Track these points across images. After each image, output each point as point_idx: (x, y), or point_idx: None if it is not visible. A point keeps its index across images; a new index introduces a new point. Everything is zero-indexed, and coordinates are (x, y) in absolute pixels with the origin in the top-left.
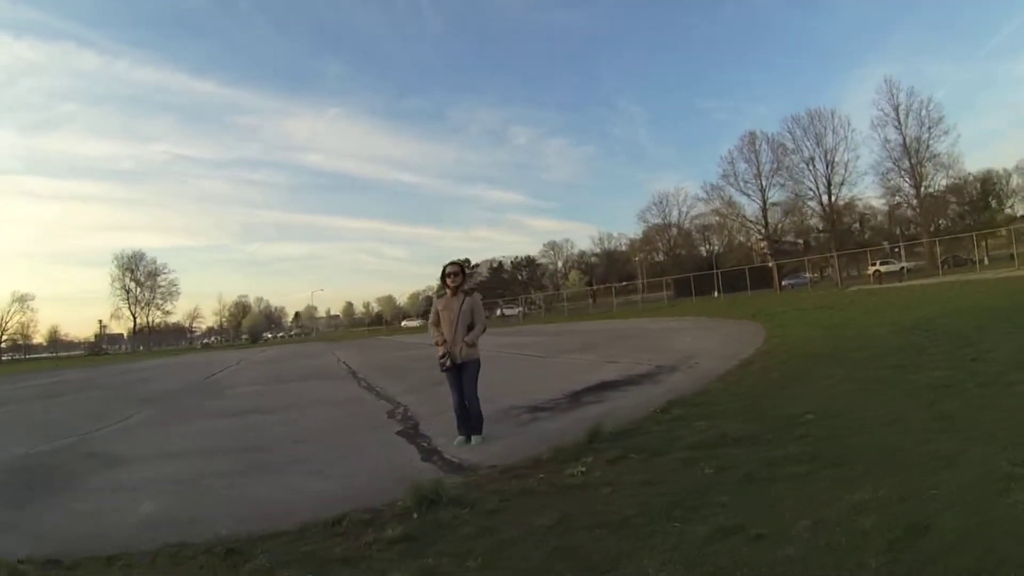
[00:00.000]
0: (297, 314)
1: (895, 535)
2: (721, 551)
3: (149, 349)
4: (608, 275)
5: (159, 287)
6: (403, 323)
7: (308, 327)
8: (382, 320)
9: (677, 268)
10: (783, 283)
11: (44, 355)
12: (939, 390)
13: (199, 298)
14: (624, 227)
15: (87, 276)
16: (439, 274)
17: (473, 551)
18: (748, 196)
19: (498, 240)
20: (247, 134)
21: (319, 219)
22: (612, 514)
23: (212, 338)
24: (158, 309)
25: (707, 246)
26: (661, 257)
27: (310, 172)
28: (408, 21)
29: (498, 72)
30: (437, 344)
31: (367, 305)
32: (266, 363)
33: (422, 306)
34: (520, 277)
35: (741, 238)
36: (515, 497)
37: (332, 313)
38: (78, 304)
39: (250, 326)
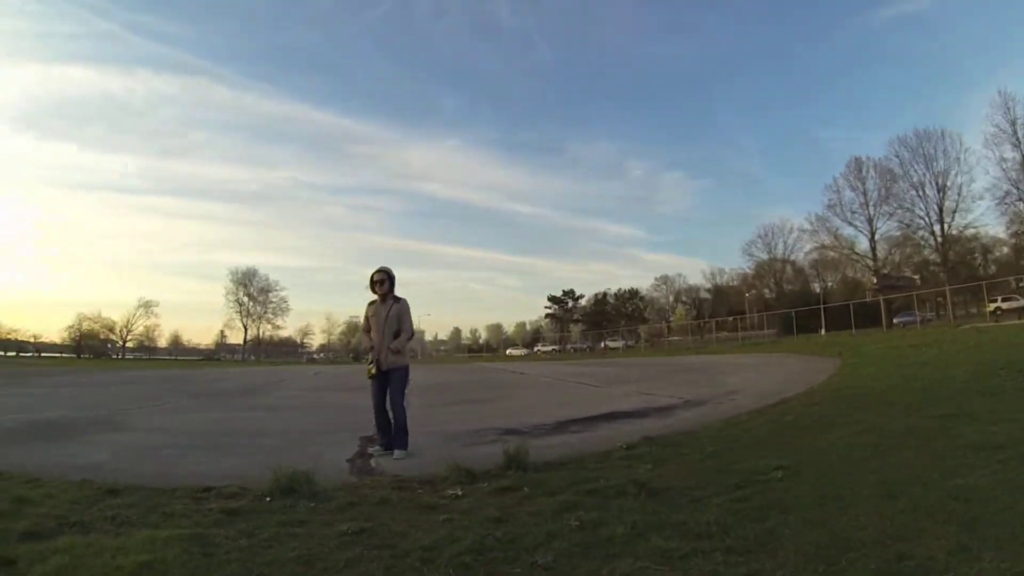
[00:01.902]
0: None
1: None
2: None
3: (258, 359)
4: (717, 310)
5: (270, 302)
6: (508, 351)
7: (414, 350)
8: (488, 347)
9: (787, 304)
10: (895, 320)
11: (164, 357)
12: (980, 453)
13: (312, 315)
14: (736, 262)
15: (208, 288)
16: (548, 303)
17: (259, 532)
18: (854, 227)
19: (613, 274)
20: (366, 162)
21: (434, 247)
22: (411, 540)
23: (321, 354)
24: (269, 323)
25: (820, 282)
26: (771, 293)
27: (427, 200)
28: (520, 55)
29: (613, 105)
30: (365, 350)
31: (474, 332)
32: (334, 376)
33: (528, 336)
34: (624, 310)
35: (851, 273)
36: (365, 504)
37: (440, 338)
38: (200, 313)
39: (356, 345)
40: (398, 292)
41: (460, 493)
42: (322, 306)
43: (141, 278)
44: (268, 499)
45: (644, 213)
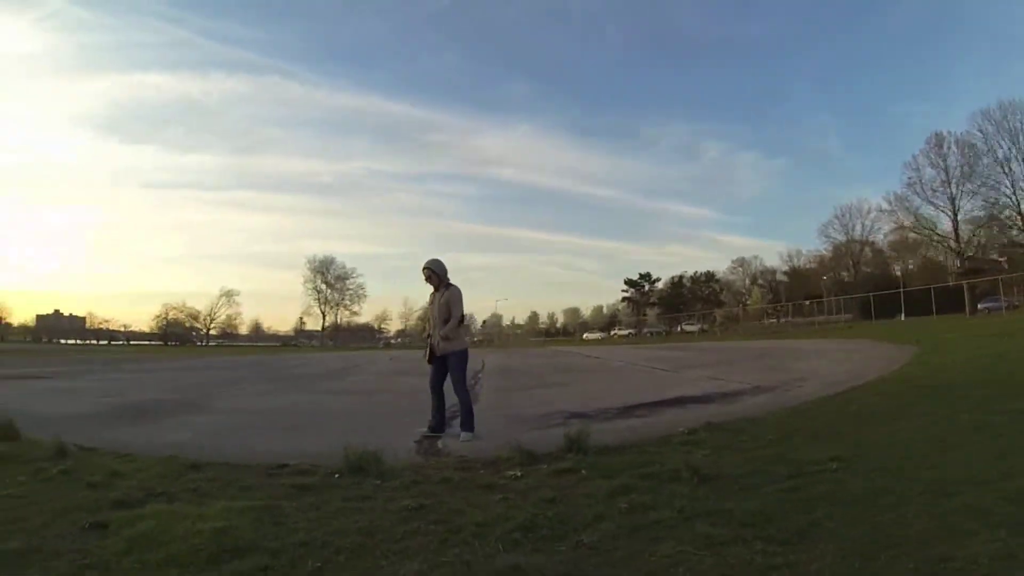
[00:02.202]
0: (484, 322)
1: None
2: None
3: (337, 345)
4: (793, 294)
5: (348, 289)
6: (584, 335)
7: (491, 334)
8: (565, 331)
9: (866, 288)
10: (979, 306)
11: (245, 344)
12: None
13: (389, 302)
14: (813, 244)
15: (286, 277)
16: (624, 287)
17: (327, 505)
18: (936, 206)
19: (690, 256)
20: (439, 150)
21: (510, 231)
22: (466, 517)
23: (398, 339)
24: (346, 309)
25: (900, 265)
26: (849, 276)
27: (502, 186)
28: (590, 38)
29: (685, 86)
30: (424, 337)
31: (551, 316)
32: (408, 360)
33: (605, 320)
34: (700, 293)
35: (933, 255)
36: (428, 483)
37: (517, 322)
38: (279, 301)
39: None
40: (456, 281)
41: (519, 474)
42: (399, 292)
43: (223, 269)
44: (337, 476)
45: (720, 195)
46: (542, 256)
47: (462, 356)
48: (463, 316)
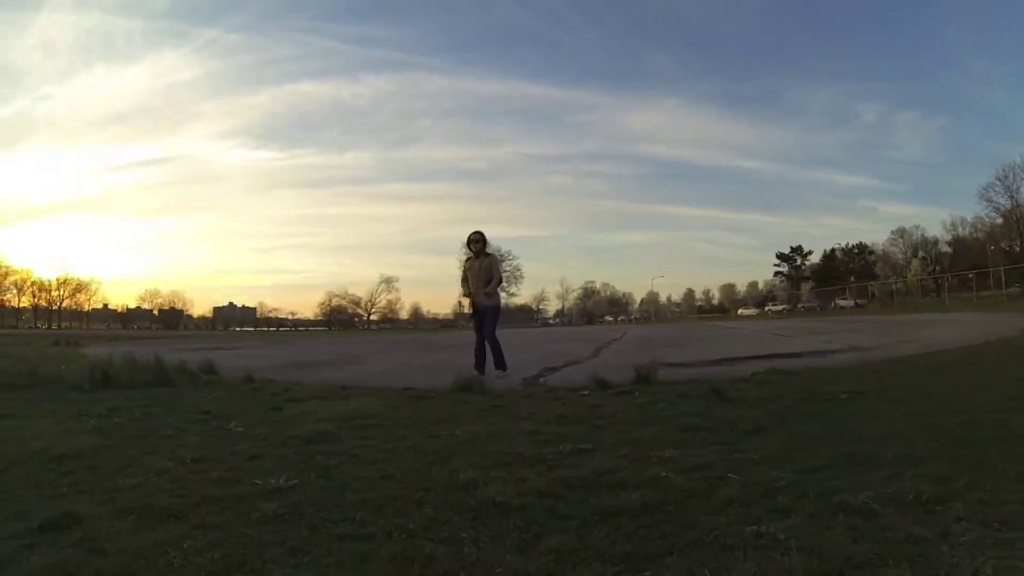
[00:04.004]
0: (642, 300)
1: None
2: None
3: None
4: (957, 265)
5: (504, 272)
6: (739, 311)
7: (648, 312)
8: (720, 308)
9: None
10: None
11: (405, 326)
12: None
13: (546, 282)
14: (976, 210)
15: (443, 262)
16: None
17: (433, 404)
18: None
19: (846, 227)
20: (587, 130)
21: (664, 208)
22: (525, 410)
23: (556, 319)
24: (504, 291)
25: None
26: (1019, 245)
27: (652, 162)
28: (729, 3)
29: (832, 45)
30: (464, 296)
31: (707, 292)
32: (557, 333)
33: (761, 295)
34: (853, 266)
35: None
36: (511, 397)
37: (673, 300)
38: (438, 285)
39: (591, 310)
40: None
41: (587, 393)
42: (556, 272)
43: (382, 257)
44: (448, 392)
45: (877, 160)
46: (695, 232)
47: (496, 311)
48: (500, 278)
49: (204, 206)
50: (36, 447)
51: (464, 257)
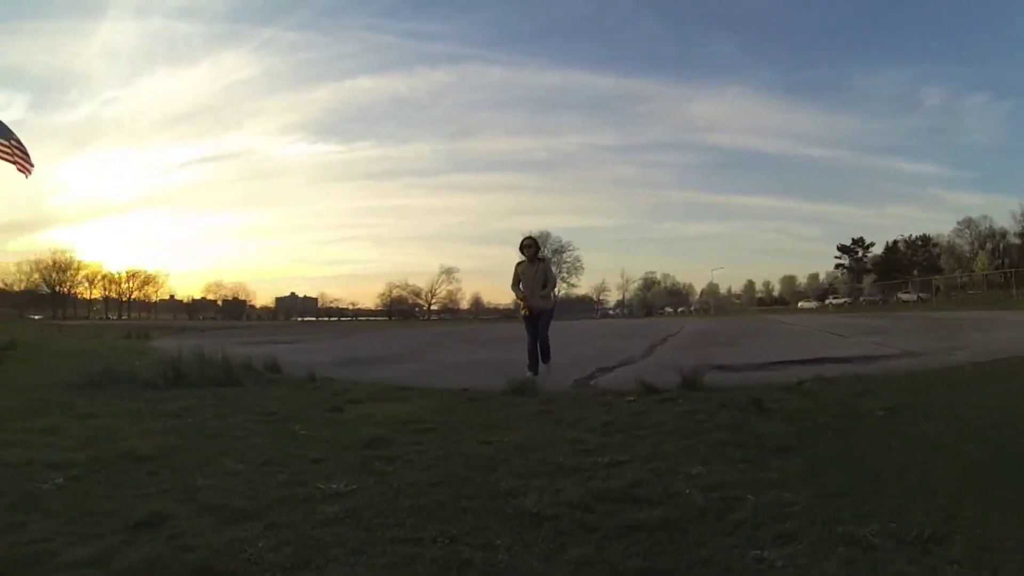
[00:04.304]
0: (702, 291)
1: None
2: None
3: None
4: None
5: (564, 263)
6: (800, 304)
7: (707, 303)
8: (780, 300)
9: None
10: None
11: (465, 317)
12: None
13: (607, 273)
14: None
15: (504, 253)
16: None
17: (485, 406)
18: None
19: (913, 217)
20: (650, 120)
21: (726, 198)
22: (571, 416)
23: (615, 310)
24: (564, 282)
25: None
26: None
27: (715, 151)
28: None
29: (896, 28)
30: (519, 300)
31: (767, 284)
32: (616, 325)
33: (822, 287)
34: (915, 259)
35: None
36: (560, 401)
37: (733, 291)
38: (498, 276)
39: (651, 301)
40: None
41: (633, 399)
42: (617, 263)
43: (443, 248)
44: (500, 394)
45: (945, 146)
46: (757, 222)
47: (551, 313)
48: (556, 282)
49: (266, 200)
50: (123, 448)
51: (519, 262)
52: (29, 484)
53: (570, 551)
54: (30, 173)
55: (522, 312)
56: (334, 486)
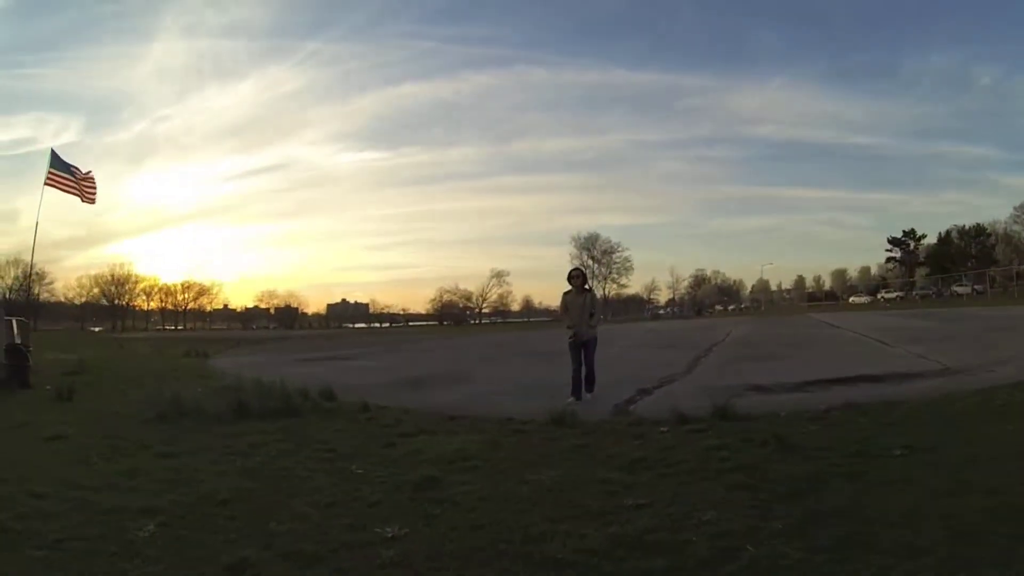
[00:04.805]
0: (752, 287)
1: None
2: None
3: (605, 318)
4: None
5: (614, 263)
6: (851, 299)
7: (758, 300)
8: (830, 295)
9: None
10: None
11: (516, 320)
12: None
13: (657, 270)
14: None
15: (554, 253)
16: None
17: (529, 440)
18: None
19: (971, 204)
20: (696, 114)
21: (774, 191)
22: (605, 452)
23: (665, 309)
24: (614, 283)
25: None
26: None
27: (763, 144)
28: None
29: (945, 5)
30: (569, 327)
31: (818, 279)
32: (664, 333)
33: (873, 282)
34: (969, 250)
35: None
36: (598, 433)
37: (784, 287)
38: (549, 276)
39: (701, 299)
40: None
41: (665, 430)
42: (667, 260)
43: (492, 250)
44: (542, 425)
45: (999, 128)
46: (806, 215)
47: (596, 340)
48: (602, 313)
49: (316, 208)
50: (202, 491)
51: (565, 289)
52: (124, 532)
53: None
54: (94, 201)
55: (569, 339)
56: (389, 530)
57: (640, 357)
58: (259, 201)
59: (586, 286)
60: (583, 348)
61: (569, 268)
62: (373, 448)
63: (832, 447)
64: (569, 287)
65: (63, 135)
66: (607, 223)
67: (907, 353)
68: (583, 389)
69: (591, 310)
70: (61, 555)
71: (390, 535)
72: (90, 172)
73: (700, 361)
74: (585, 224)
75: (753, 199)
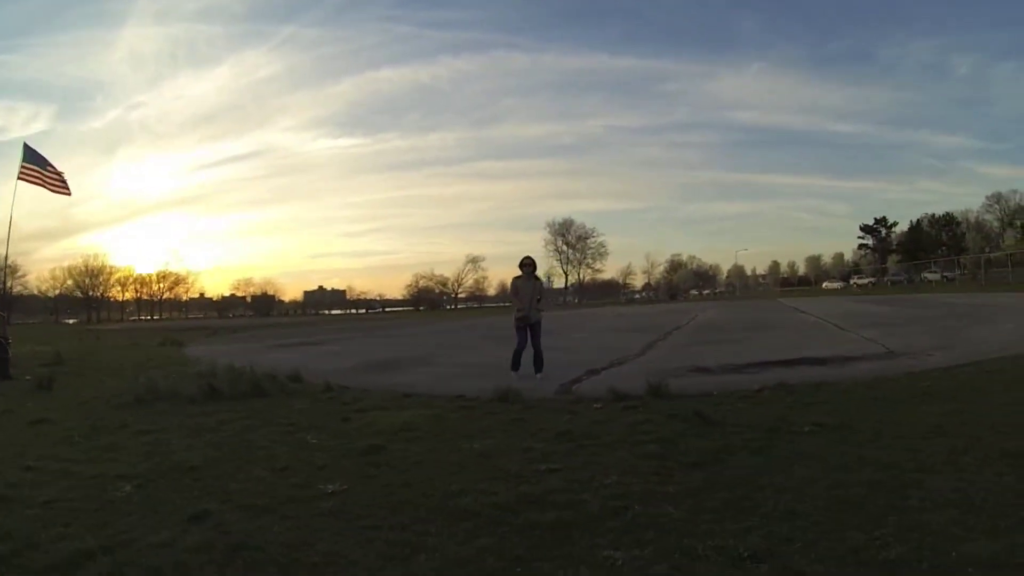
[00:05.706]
0: (728, 272)
1: None
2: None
3: (580, 302)
4: None
5: (588, 248)
6: (824, 284)
7: (733, 285)
8: (804, 281)
9: None
10: None
11: (492, 305)
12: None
13: (633, 255)
14: None
15: (531, 239)
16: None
17: (472, 414)
18: None
19: (945, 192)
20: (675, 99)
21: (755, 177)
22: (538, 425)
23: (640, 294)
24: (589, 268)
25: None
26: None
27: (742, 130)
28: None
29: None
30: (519, 310)
31: (792, 265)
32: (630, 317)
33: (847, 267)
34: (939, 237)
35: None
36: (537, 409)
37: (759, 272)
38: None
39: (678, 284)
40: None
41: (599, 406)
42: (644, 246)
43: (469, 236)
44: (488, 402)
45: (976, 117)
46: (784, 201)
47: (541, 322)
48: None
49: (293, 195)
50: (174, 460)
51: (516, 276)
52: (104, 493)
53: (479, 540)
54: (70, 193)
55: (517, 320)
56: (331, 487)
57: (602, 341)
58: (235, 189)
59: (535, 274)
60: (529, 329)
61: (531, 254)
62: (330, 423)
63: (751, 424)
64: (520, 273)
65: (33, 124)
66: (585, 208)
67: (859, 337)
68: (534, 370)
69: (539, 295)
70: (51, 512)
71: (331, 491)
72: (62, 173)
73: (656, 344)
74: (563, 210)
75: (730, 185)
